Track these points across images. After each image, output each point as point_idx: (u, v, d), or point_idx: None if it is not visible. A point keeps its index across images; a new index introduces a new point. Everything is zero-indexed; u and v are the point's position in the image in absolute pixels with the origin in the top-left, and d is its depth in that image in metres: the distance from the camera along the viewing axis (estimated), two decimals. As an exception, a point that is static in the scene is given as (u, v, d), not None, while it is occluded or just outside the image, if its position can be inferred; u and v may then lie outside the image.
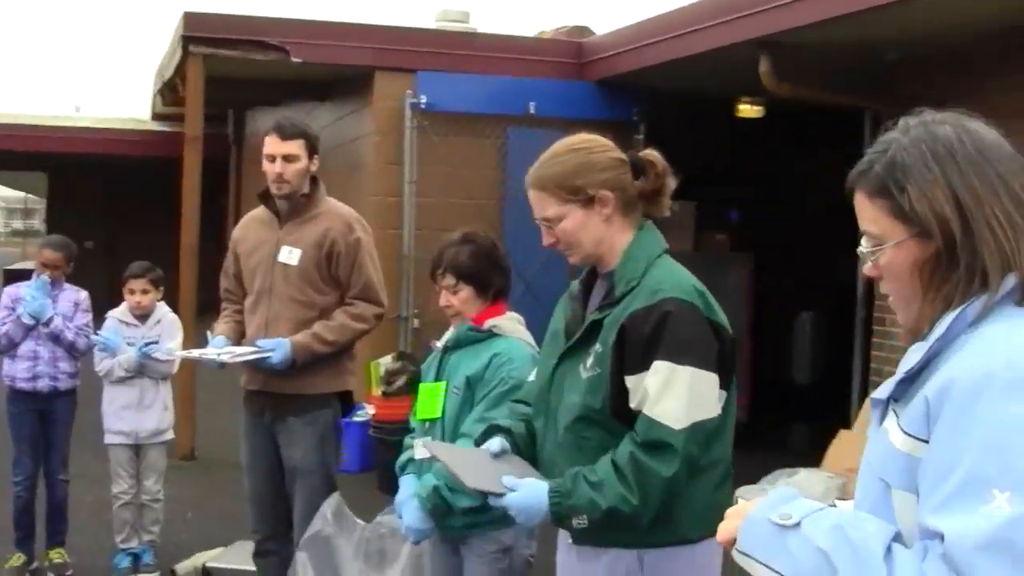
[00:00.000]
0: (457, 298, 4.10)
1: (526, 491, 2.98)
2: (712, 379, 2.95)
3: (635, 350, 2.91)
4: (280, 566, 5.07)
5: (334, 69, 10.45)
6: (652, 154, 3.13)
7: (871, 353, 8.74)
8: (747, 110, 11.97)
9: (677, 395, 2.87)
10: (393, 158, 9.83)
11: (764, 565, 1.92)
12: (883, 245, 1.98)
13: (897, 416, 1.93)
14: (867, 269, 2.05)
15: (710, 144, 11.12)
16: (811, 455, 7.80)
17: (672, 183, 3.13)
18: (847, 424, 8.37)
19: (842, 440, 7.66)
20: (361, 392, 8.50)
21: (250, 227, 5.36)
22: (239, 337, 5.25)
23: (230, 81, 10.77)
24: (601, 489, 2.89)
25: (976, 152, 1.92)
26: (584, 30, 12.34)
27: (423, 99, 9.87)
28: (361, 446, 9.29)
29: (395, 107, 9.91)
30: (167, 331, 6.62)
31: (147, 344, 6.41)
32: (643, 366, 2.90)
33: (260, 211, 5.32)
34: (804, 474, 6.78)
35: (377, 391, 9.16)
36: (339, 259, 5.10)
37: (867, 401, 2.21)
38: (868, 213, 2.01)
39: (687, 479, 2.92)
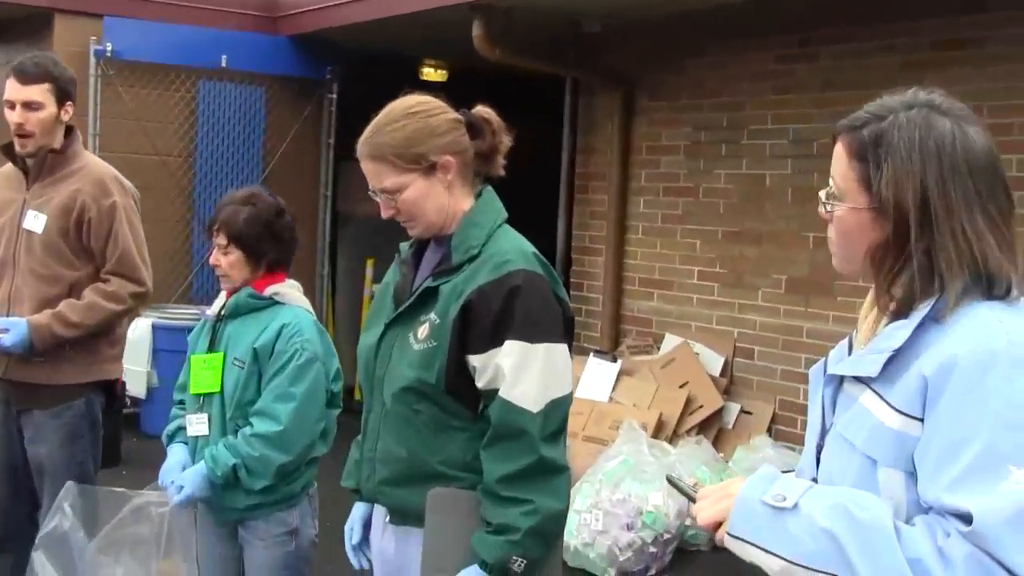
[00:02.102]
0: (226, 260, 3.80)
1: None
2: (564, 351, 2.85)
3: (482, 327, 2.77)
4: (16, 568, 4.47)
5: (6, 9, 9.63)
6: (486, 111, 2.98)
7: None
8: (430, 74, 11.97)
9: (532, 375, 2.74)
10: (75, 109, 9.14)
11: (761, 549, 1.87)
12: (842, 202, 1.98)
13: (879, 394, 1.90)
14: (821, 210, 2.05)
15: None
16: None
17: (508, 140, 3.00)
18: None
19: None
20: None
21: None
22: None
23: None
24: (505, 530, 2.74)
25: (963, 161, 1.90)
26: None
27: (109, 47, 9.27)
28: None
29: (78, 54, 9.23)
30: None
31: None
32: (492, 344, 2.76)
33: (9, 167, 4.59)
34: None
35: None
36: (90, 227, 4.40)
37: (811, 372, 2.16)
38: (841, 167, 1.99)
39: (559, 448, 2.82)
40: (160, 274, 9.58)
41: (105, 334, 4.52)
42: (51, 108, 4.40)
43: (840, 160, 1.99)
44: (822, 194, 2.03)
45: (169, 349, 8.28)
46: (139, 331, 8.84)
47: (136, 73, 9.52)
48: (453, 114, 2.93)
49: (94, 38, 9.29)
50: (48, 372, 4.43)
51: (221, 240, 3.79)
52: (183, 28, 9.64)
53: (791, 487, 1.88)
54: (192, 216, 9.78)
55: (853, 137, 1.97)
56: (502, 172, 3.03)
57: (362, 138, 2.92)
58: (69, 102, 4.48)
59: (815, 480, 2.04)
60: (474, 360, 2.78)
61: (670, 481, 2.17)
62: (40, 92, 4.38)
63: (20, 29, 9.81)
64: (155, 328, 8.81)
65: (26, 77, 4.39)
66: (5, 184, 4.59)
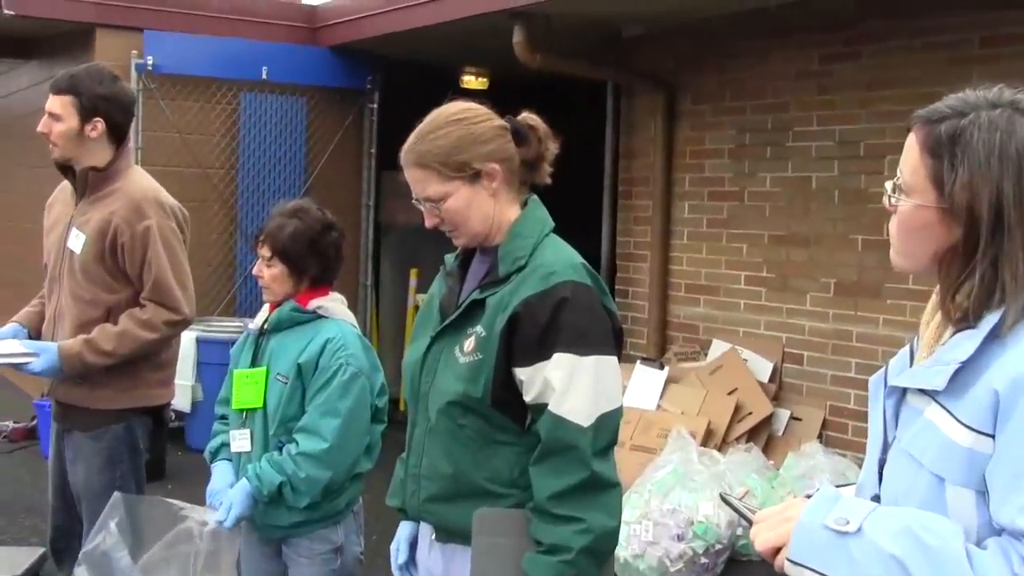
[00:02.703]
0: (269, 272, 3.77)
1: None
2: (614, 362, 2.78)
3: (529, 340, 2.70)
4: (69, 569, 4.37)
5: (48, 24, 9.67)
6: (532, 118, 2.91)
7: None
8: (471, 81, 11.93)
9: (582, 388, 2.67)
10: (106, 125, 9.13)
11: (822, 575, 1.77)
12: (908, 197, 1.90)
13: (946, 408, 1.81)
14: (885, 201, 1.96)
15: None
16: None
17: (554, 148, 2.94)
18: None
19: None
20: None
21: (58, 197, 4.60)
22: (39, 325, 4.54)
23: None
24: (557, 550, 2.65)
25: None
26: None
27: (151, 61, 9.28)
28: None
29: (119, 68, 9.15)
30: None
31: None
32: (539, 356, 2.69)
33: (67, 181, 4.54)
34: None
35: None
36: (124, 251, 4.25)
37: (870, 382, 2.08)
38: (912, 161, 1.90)
39: (610, 464, 2.75)
40: (204, 287, 9.67)
41: (147, 359, 4.37)
42: (71, 122, 4.28)
43: (912, 153, 1.90)
44: (888, 185, 1.94)
45: (213, 363, 8.26)
46: (183, 344, 8.81)
47: (178, 86, 9.53)
48: (498, 121, 2.87)
49: (135, 52, 9.30)
50: (86, 394, 4.35)
51: (265, 252, 3.76)
52: (223, 41, 9.64)
53: (854, 509, 1.79)
54: (236, 228, 9.77)
55: (929, 131, 1.87)
56: (548, 180, 2.97)
57: (405, 146, 2.86)
58: (98, 118, 4.30)
59: (877, 497, 1.95)
60: (521, 373, 2.72)
61: (724, 500, 2.09)
62: (61, 104, 4.29)
63: (63, 44, 9.85)
64: (199, 341, 8.80)
65: (54, 87, 4.34)
66: (62, 198, 4.56)
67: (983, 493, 1.75)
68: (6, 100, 11.62)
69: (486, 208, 2.84)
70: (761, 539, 1.88)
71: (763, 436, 7.39)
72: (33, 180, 4.56)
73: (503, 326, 2.72)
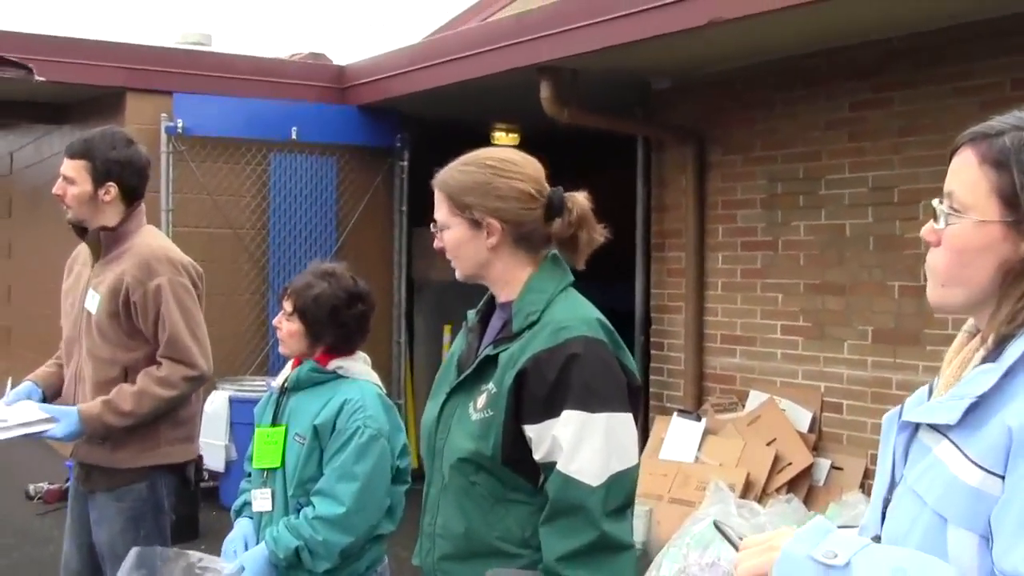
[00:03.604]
0: (287, 326, 3.75)
1: None
2: (628, 420, 2.70)
3: (537, 397, 2.64)
4: None
5: (79, 89, 9.75)
6: (577, 199, 2.84)
7: (650, 378, 8.73)
8: (502, 138, 11.92)
9: (593, 447, 2.60)
10: (148, 185, 9.16)
11: None
12: (964, 215, 1.79)
13: (956, 445, 1.71)
14: (926, 231, 1.86)
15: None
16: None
17: (592, 238, 2.86)
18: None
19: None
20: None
21: (77, 258, 4.63)
22: (58, 387, 4.53)
23: None
24: None
25: None
26: (320, 57, 12.07)
27: (180, 123, 9.33)
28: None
29: (149, 131, 9.30)
30: None
31: None
32: (548, 414, 2.63)
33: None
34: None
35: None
36: (136, 309, 4.26)
37: (884, 419, 2.00)
38: (967, 176, 1.81)
39: (624, 525, 2.66)
40: (236, 347, 9.68)
41: (166, 417, 4.34)
42: (85, 186, 4.31)
43: (968, 170, 1.81)
44: (939, 207, 1.84)
45: (246, 422, 8.19)
46: (216, 404, 8.83)
47: (207, 148, 9.58)
48: (524, 185, 2.80)
49: (165, 115, 9.36)
50: (107, 454, 4.32)
51: (288, 307, 3.74)
52: (252, 102, 9.69)
53: (844, 544, 1.69)
54: (267, 288, 9.76)
55: (990, 144, 1.79)
56: (581, 266, 2.89)
57: (445, 167, 2.87)
58: (111, 183, 4.32)
59: (878, 538, 1.85)
60: (530, 431, 2.66)
61: (717, 527, 2.02)
62: (74, 168, 4.33)
63: (94, 108, 9.91)
64: (232, 401, 8.79)
65: (69, 151, 4.38)
66: (81, 260, 4.58)
67: (986, 538, 1.65)
68: (40, 165, 11.70)
69: (479, 256, 2.82)
70: (743, 567, 1.79)
71: (804, 487, 7.26)
72: (67, 243, 4.57)
73: (511, 382, 2.67)
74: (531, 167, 2.84)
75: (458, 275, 2.90)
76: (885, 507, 1.88)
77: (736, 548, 1.88)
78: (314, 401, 3.67)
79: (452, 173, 2.82)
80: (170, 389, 4.24)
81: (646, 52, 7.49)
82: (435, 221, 2.86)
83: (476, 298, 2.97)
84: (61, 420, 4.20)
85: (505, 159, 2.84)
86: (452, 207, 2.80)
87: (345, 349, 3.78)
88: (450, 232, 2.82)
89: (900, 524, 1.81)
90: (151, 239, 4.47)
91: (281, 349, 3.82)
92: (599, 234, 2.86)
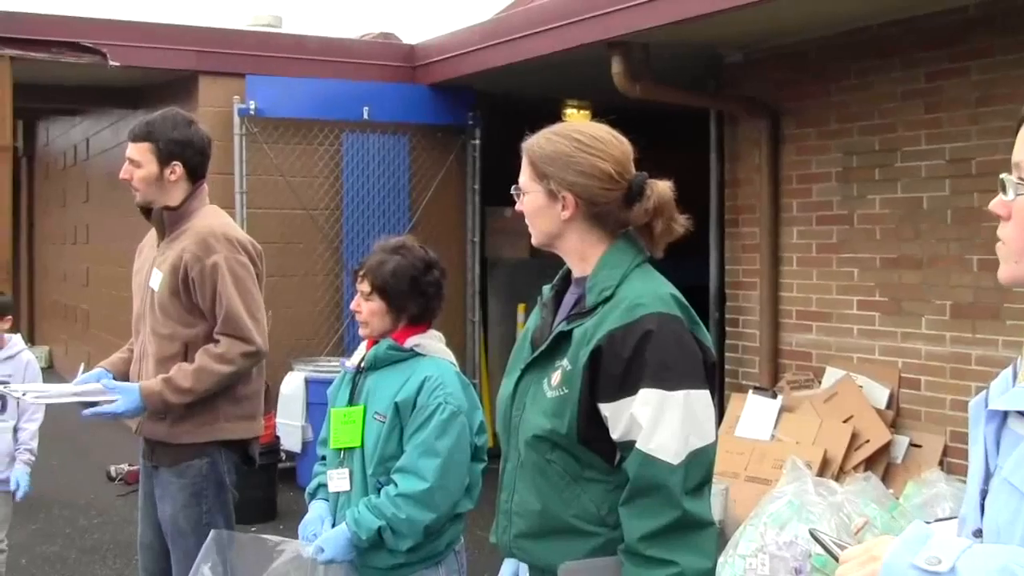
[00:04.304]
0: (367, 307, 3.74)
1: None
2: (705, 396, 2.67)
3: (612, 375, 2.62)
4: None
5: (152, 73, 9.85)
6: (658, 187, 2.80)
7: (725, 355, 8.67)
8: (573, 115, 11.87)
9: (672, 425, 2.57)
10: (221, 167, 9.19)
11: None
12: None
13: None
14: (995, 204, 1.79)
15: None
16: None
17: (672, 228, 2.82)
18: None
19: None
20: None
21: (147, 241, 4.73)
22: (125, 370, 4.61)
23: (21, 87, 9.71)
24: None
25: None
26: (390, 36, 12.07)
27: (253, 105, 9.40)
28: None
29: (222, 113, 9.40)
30: (20, 371, 5.92)
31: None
32: (623, 392, 2.60)
33: None
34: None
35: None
36: (195, 286, 4.34)
37: (970, 407, 1.93)
38: None
39: (704, 502, 2.64)
40: (311, 327, 9.75)
41: (224, 394, 4.41)
42: (151, 167, 4.43)
43: None
44: (1007, 179, 1.77)
45: (322, 403, 8.25)
46: (292, 385, 8.90)
47: (280, 129, 9.64)
48: (607, 166, 2.76)
49: (237, 97, 9.44)
50: (167, 430, 4.42)
51: (365, 287, 3.73)
52: (324, 82, 9.74)
53: (947, 548, 1.63)
54: (342, 268, 9.82)
55: None
56: (659, 255, 2.86)
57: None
58: (176, 162, 4.44)
59: (980, 532, 1.80)
60: (605, 409, 2.64)
61: (813, 536, 1.97)
62: (140, 151, 4.43)
63: (168, 92, 10.01)
64: (308, 382, 8.85)
65: (132, 135, 4.48)
66: (150, 243, 4.68)
67: None
68: (116, 150, 11.83)
69: (552, 226, 2.82)
70: None
71: (882, 464, 7.18)
72: (142, 226, 4.66)
73: (586, 360, 2.65)
74: (618, 148, 2.80)
75: (533, 240, 2.89)
76: (983, 498, 1.82)
77: (835, 558, 1.83)
78: (393, 379, 3.67)
79: (540, 140, 2.81)
80: (227, 365, 4.32)
81: (718, 25, 7.44)
82: (517, 184, 2.86)
83: (550, 276, 2.96)
84: (122, 396, 4.29)
85: (593, 135, 2.80)
86: (533, 173, 2.80)
87: (426, 318, 3.79)
88: (529, 198, 2.82)
89: (1001, 516, 1.75)
90: (211, 218, 4.54)
91: (362, 332, 3.81)
92: (680, 224, 2.83)
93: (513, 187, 2.88)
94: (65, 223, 15.23)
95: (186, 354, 4.38)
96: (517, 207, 2.88)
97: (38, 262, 17.70)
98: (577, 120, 2.85)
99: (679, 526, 2.56)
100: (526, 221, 2.87)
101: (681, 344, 2.65)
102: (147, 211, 4.56)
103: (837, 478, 6.89)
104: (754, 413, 7.62)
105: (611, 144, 2.80)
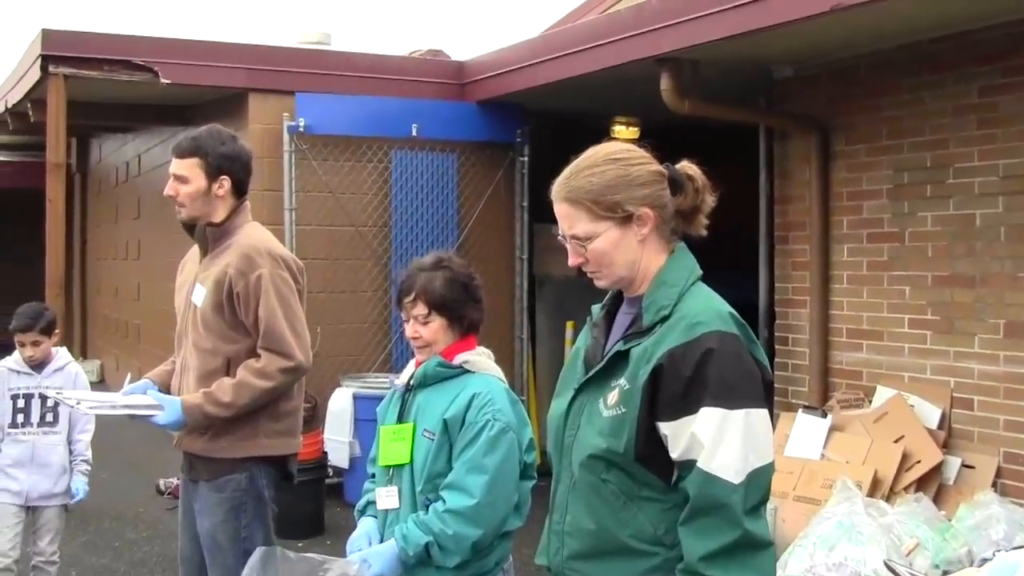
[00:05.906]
0: (428, 329, 3.72)
1: None
2: (764, 416, 2.65)
3: (674, 394, 2.60)
4: None
5: (202, 91, 9.93)
6: (691, 168, 2.83)
7: (775, 373, 8.60)
8: (622, 131, 11.85)
9: (733, 444, 2.56)
10: (270, 184, 9.31)
11: None
12: None
13: None
14: None
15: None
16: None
17: (711, 200, 2.85)
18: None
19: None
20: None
21: (189, 257, 4.76)
22: (169, 382, 4.65)
23: (74, 105, 9.88)
24: None
25: None
26: (439, 53, 12.13)
27: (302, 122, 9.45)
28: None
29: (271, 130, 9.48)
30: (69, 383, 5.99)
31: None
32: (684, 411, 2.58)
33: None
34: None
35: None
36: (239, 301, 4.37)
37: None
38: None
39: (762, 522, 2.61)
40: (360, 344, 9.79)
41: (265, 409, 4.42)
42: (199, 183, 4.45)
43: None
44: None
45: (369, 419, 8.27)
46: (341, 402, 8.92)
47: (329, 146, 9.69)
48: (656, 166, 2.79)
49: (287, 115, 9.49)
50: (207, 444, 4.44)
51: (420, 310, 3.70)
52: (373, 100, 9.79)
53: None
54: (390, 285, 9.84)
55: None
56: (703, 232, 2.86)
57: (558, 180, 2.80)
58: (224, 176, 4.47)
59: None
60: (665, 428, 2.62)
61: (888, 567, 1.95)
62: (187, 167, 4.45)
63: (218, 109, 10.08)
64: (356, 398, 8.86)
65: (178, 151, 4.51)
66: (192, 258, 4.71)
67: None
68: (167, 166, 11.92)
69: (632, 253, 2.77)
70: None
71: (933, 485, 7.09)
72: (190, 243, 4.72)
73: (646, 379, 2.63)
74: (642, 151, 2.83)
75: (604, 284, 2.83)
76: None
77: None
78: (442, 396, 3.66)
79: (580, 182, 2.75)
80: (267, 380, 4.34)
81: (768, 41, 7.41)
82: (572, 238, 2.78)
83: (598, 294, 2.93)
84: (166, 408, 4.32)
85: (626, 149, 2.81)
86: (596, 212, 2.73)
87: (479, 324, 3.81)
88: (601, 240, 2.75)
89: None
90: (254, 233, 4.56)
91: (421, 356, 3.77)
92: (712, 197, 2.85)
93: (571, 240, 2.79)
94: (117, 239, 15.37)
95: (228, 369, 4.40)
96: (573, 260, 2.81)
97: (90, 277, 17.86)
98: (590, 150, 2.83)
99: (740, 546, 2.54)
100: (593, 267, 2.79)
101: (741, 362, 2.63)
102: (190, 227, 4.58)
103: (887, 499, 6.82)
104: (803, 432, 7.56)
105: (636, 149, 2.83)
